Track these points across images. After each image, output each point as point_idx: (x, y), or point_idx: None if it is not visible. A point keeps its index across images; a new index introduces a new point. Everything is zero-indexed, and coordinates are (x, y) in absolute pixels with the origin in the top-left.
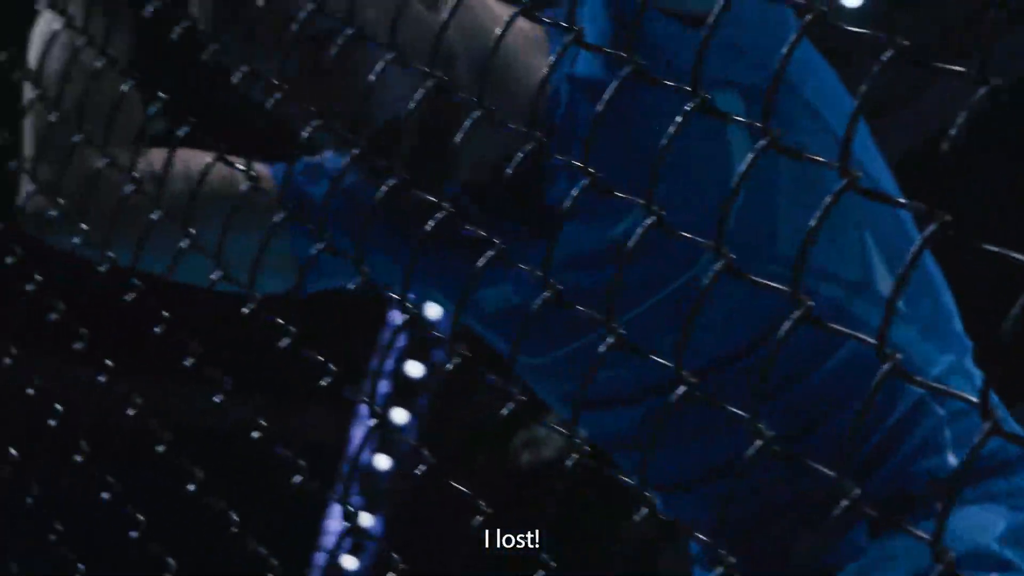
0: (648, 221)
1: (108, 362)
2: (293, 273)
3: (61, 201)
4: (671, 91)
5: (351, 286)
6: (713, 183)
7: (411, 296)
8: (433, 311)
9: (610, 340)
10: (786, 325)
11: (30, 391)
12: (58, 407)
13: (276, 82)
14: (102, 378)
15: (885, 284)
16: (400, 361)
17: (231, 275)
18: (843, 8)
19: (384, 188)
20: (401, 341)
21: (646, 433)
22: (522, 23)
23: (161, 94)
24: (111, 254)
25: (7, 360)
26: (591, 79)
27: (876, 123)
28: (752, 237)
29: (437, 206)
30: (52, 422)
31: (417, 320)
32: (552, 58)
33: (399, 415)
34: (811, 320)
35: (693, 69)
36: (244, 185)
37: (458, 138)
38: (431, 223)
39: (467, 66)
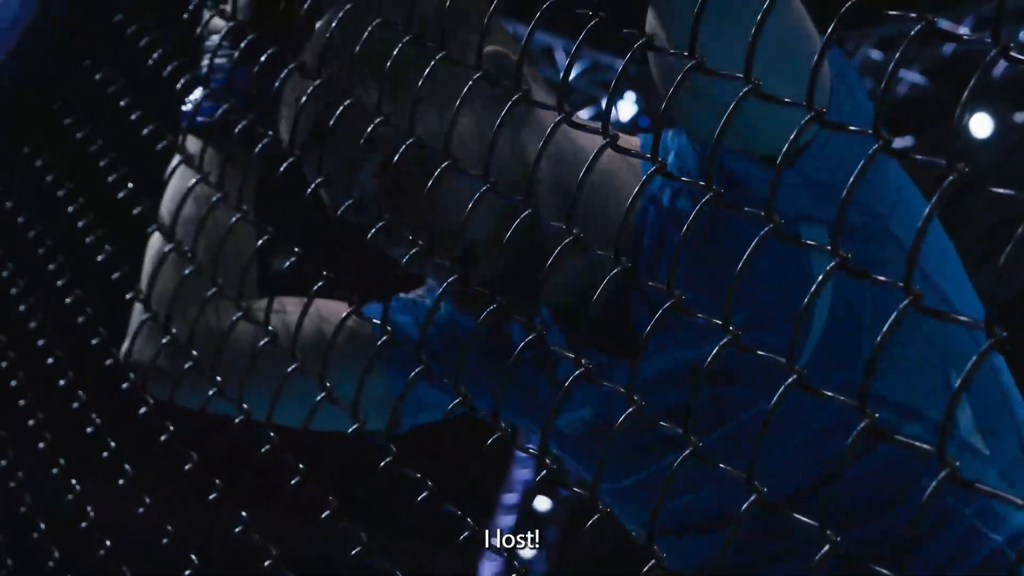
0: (723, 341)
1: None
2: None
3: (191, 356)
4: (753, 221)
5: (452, 413)
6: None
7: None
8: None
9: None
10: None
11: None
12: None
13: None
14: (238, 529)
15: (968, 425)
16: (526, 494)
17: (339, 403)
18: (972, 139)
19: (477, 316)
20: (526, 475)
21: (719, 562)
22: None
23: (291, 247)
24: (245, 406)
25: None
26: (677, 211)
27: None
28: (833, 368)
29: (526, 329)
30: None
31: (512, 442)
32: (637, 182)
33: (526, 550)
34: (885, 438)
35: (767, 201)
36: (349, 325)
37: (546, 263)
38: (519, 346)
39: (552, 189)
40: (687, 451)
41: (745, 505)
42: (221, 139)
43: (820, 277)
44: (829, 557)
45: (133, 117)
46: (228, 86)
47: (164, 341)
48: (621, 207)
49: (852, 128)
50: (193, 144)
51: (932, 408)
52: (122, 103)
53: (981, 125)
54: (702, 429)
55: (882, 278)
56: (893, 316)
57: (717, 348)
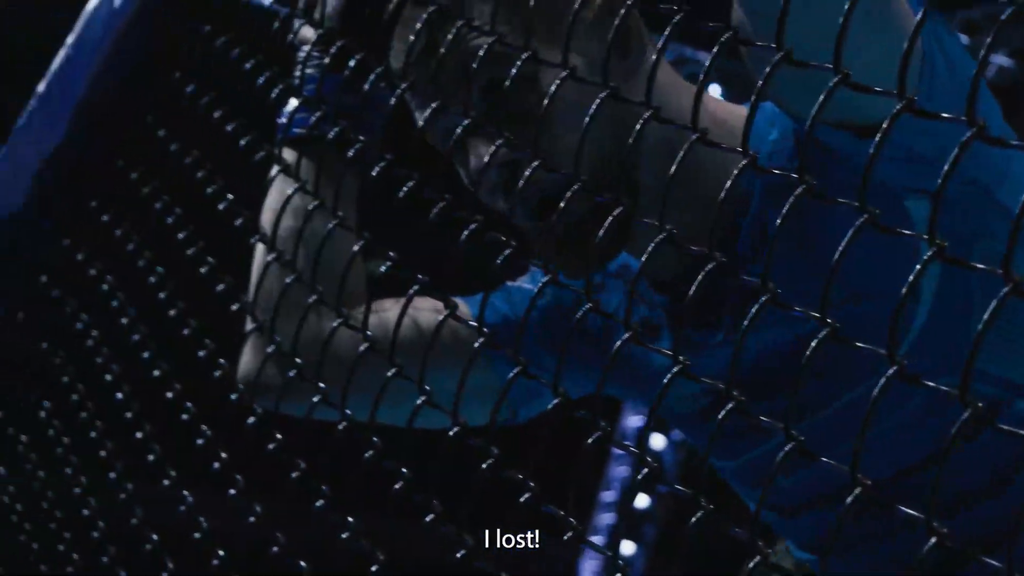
0: (822, 333)
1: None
2: (506, 404)
3: (295, 364)
4: (853, 197)
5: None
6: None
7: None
8: (657, 441)
9: (788, 446)
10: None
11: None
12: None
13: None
14: (345, 534)
15: None
16: (625, 492)
17: (437, 404)
18: None
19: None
20: (625, 472)
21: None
22: (717, 106)
23: (388, 252)
24: (348, 411)
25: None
26: (780, 182)
27: None
28: (942, 349)
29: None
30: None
31: (610, 439)
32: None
33: (626, 547)
34: (988, 423)
35: (863, 180)
36: (447, 325)
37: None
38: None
39: (654, 148)
40: (789, 446)
41: (849, 498)
42: (315, 149)
43: (919, 261)
44: (933, 548)
45: (229, 128)
46: (318, 96)
47: (268, 351)
48: (719, 174)
49: (945, 116)
50: (289, 155)
51: (1000, 366)
52: (216, 114)
53: None
54: (808, 409)
55: (980, 266)
56: (994, 304)
57: (814, 343)
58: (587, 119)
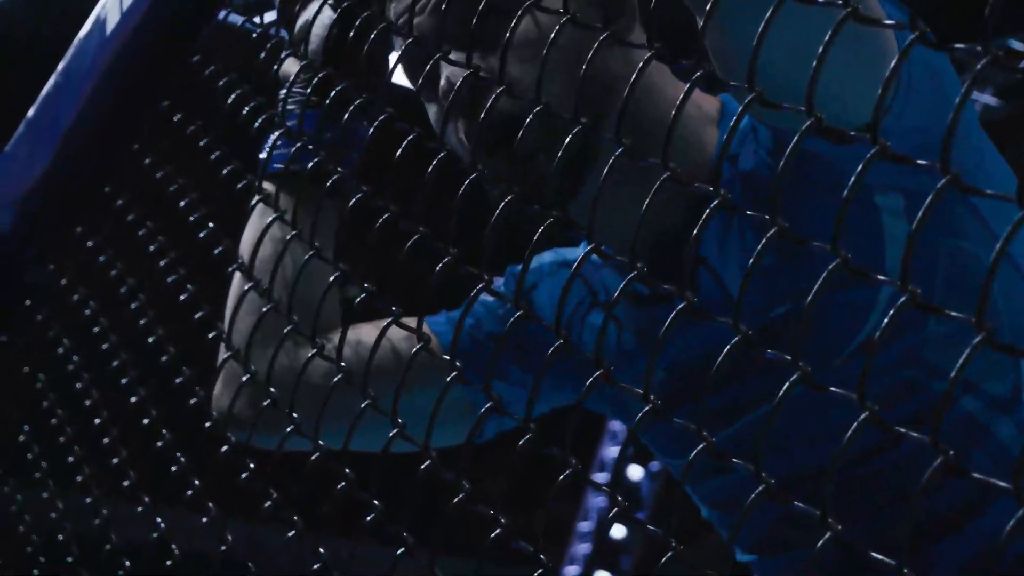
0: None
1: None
2: (473, 421)
3: (269, 397)
4: (828, 195)
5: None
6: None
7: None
8: (634, 471)
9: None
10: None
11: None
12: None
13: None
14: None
15: None
16: (602, 521)
17: (408, 436)
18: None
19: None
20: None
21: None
22: (699, 96)
23: (364, 283)
24: (321, 441)
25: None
26: (752, 172)
27: None
28: (900, 336)
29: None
30: None
31: (583, 478)
32: (720, 132)
33: None
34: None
35: (839, 173)
36: (412, 348)
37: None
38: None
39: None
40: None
41: (752, 496)
42: (293, 183)
43: (899, 247)
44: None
45: (213, 157)
46: (299, 131)
47: (243, 381)
48: (693, 154)
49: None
50: (270, 188)
51: (996, 385)
52: (201, 143)
53: None
54: (756, 403)
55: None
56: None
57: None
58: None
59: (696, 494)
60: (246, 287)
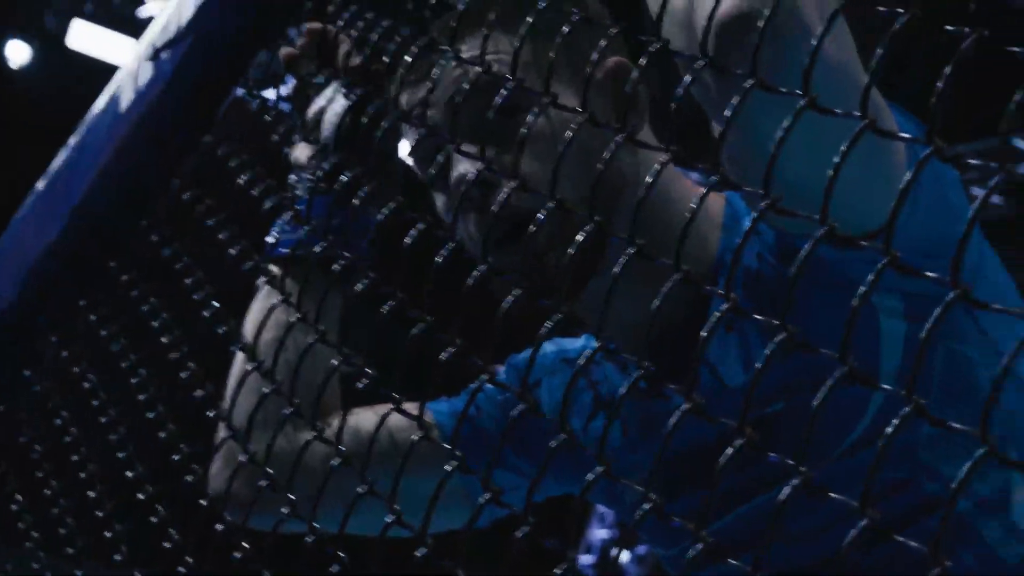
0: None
1: None
2: (469, 507)
3: (267, 478)
4: (827, 293)
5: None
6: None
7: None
8: (622, 556)
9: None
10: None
11: None
12: None
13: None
14: None
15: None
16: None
17: (406, 523)
18: None
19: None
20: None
21: None
22: (699, 191)
23: (367, 368)
24: (317, 525)
25: None
26: (755, 271)
27: None
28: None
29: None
30: None
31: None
32: (722, 237)
33: None
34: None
35: (840, 276)
36: (413, 435)
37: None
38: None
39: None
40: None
41: None
42: (299, 268)
43: (896, 348)
44: None
45: (221, 236)
46: (307, 217)
47: (240, 461)
48: (697, 254)
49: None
50: (276, 271)
51: (985, 487)
52: (209, 223)
53: None
54: (752, 494)
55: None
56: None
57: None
58: (567, 153)
59: None
60: (248, 368)
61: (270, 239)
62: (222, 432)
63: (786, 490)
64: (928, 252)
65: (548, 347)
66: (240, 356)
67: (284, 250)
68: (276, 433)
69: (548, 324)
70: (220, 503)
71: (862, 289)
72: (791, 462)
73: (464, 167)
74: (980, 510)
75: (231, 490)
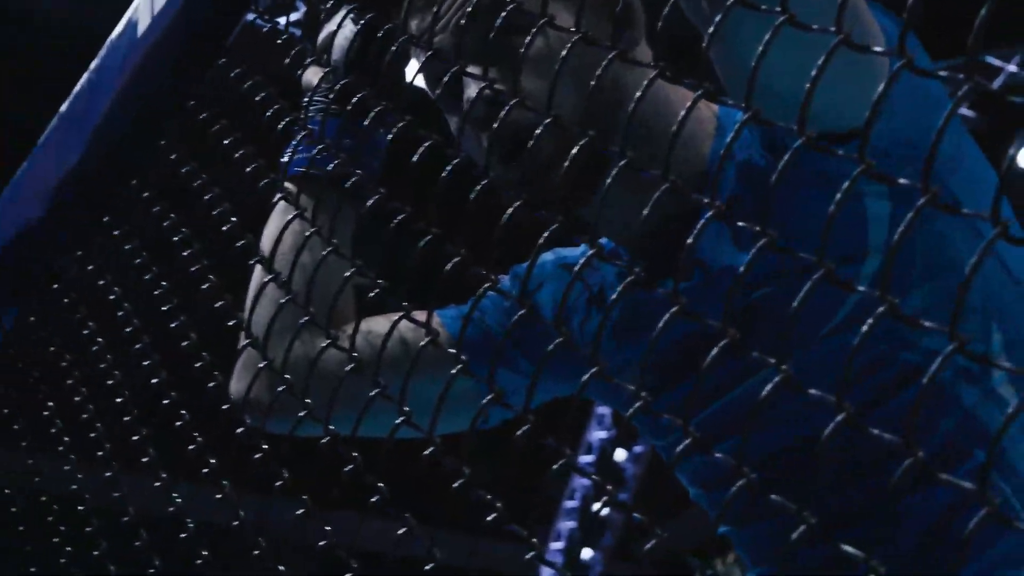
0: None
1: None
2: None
3: (284, 383)
4: (813, 183)
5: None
6: (847, 251)
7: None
8: (618, 454)
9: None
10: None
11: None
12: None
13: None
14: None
15: (1004, 384)
16: (586, 499)
17: (415, 423)
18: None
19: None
20: (587, 481)
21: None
22: (699, 107)
23: (378, 280)
24: (332, 427)
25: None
26: (746, 162)
27: None
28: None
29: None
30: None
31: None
32: (716, 141)
33: (585, 552)
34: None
35: (844, 192)
36: (421, 341)
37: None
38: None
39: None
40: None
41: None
42: (312, 186)
43: (882, 222)
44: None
45: (237, 156)
46: (319, 137)
47: (259, 368)
48: (692, 163)
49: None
50: (291, 188)
51: (929, 336)
52: (225, 142)
53: None
54: (734, 383)
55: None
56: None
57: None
58: (568, 73)
59: (681, 474)
60: (266, 279)
61: (284, 159)
62: (242, 341)
63: (767, 387)
64: (910, 141)
65: (548, 256)
66: (258, 269)
67: (298, 168)
68: (293, 340)
69: (546, 233)
70: (240, 408)
71: (849, 192)
72: (772, 360)
73: (473, 89)
74: (959, 377)
75: (250, 395)
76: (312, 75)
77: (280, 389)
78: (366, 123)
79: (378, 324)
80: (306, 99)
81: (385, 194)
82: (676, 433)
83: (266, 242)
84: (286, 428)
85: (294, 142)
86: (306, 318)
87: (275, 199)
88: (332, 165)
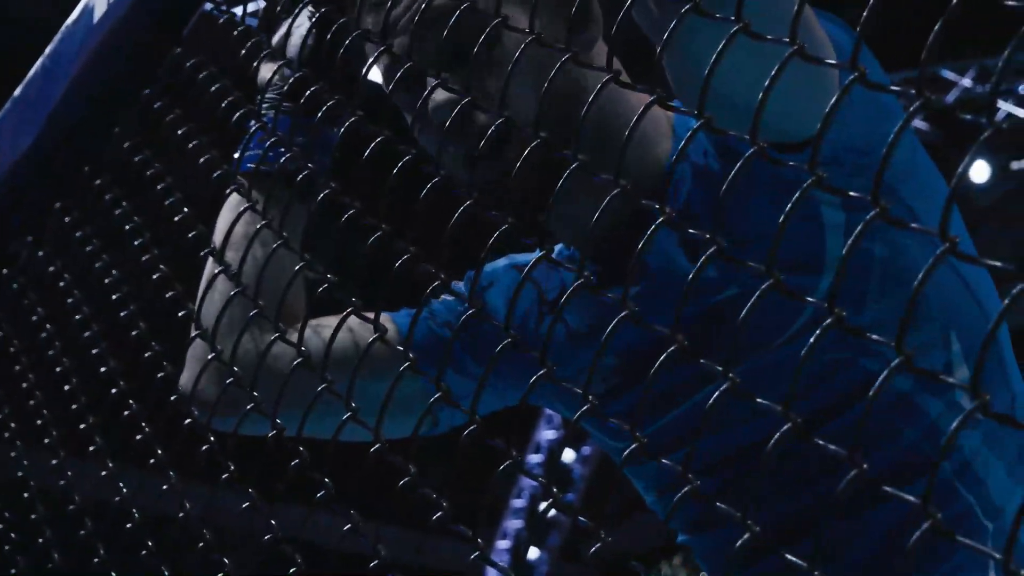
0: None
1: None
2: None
3: (232, 375)
4: (767, 197)
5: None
6: (805, 259)
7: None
8: (567, 455)
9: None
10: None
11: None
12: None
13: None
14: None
15: (964, 396)
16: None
17: (364, 423)
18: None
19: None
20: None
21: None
22: (656, 110)
23: (327, 275)
24: (279, 422)
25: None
26: (702, 166)
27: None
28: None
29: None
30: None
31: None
32: (672, 143)
33: (531, 552)
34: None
35: (796, 199)
36: (371, 338)
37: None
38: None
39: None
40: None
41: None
42: (263, 182)
43: (837, 232)
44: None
45: (191, 146)
46: (271, 133)
47: (207, 360)
48: (648, 165)
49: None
50: (243, 183)
51: (922, 360)
52: (180, 132)
53: (979, 171)
54: (685, 391)
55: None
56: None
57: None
58: (526, 76)
59: (638, 481)
60: (216, 271)
61: (236, 154)
62: (193, 332)
63: (714, 396)
64: (863, 150)
65: (501, 261)
66: (210, 261)
67: (250, 165)
68: (241, 334)
69: (496, 234)
70: (187, 401)
71: (801, 200)
72: (719, 368)
73: (439, 96)
74: (920, 388)
75: (197, 388)
76: (267, 71)
77: (228, 382)
78: (317, 119)
79: (330, 322)
80: (259, 95)
81: (336, 188)
82: (652, 426)
83: (217, 236)
84: (231, 426)
85: (246, 137)
86: (255, 311)
87: (227, 192)
88: (282, 161)
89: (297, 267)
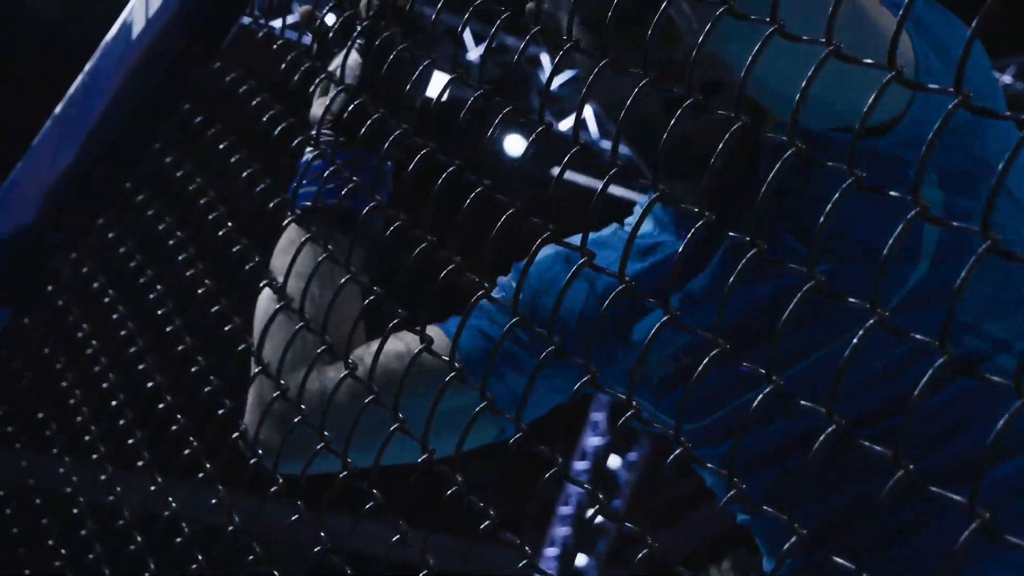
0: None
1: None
2: (493, 422)
3: (299, 414)
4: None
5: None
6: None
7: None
8: (612, 461)
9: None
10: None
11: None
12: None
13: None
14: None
15: None
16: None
17: (434, 446)
18: None
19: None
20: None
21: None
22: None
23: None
24: (350, 460)
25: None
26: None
27: None
28: (937, 303)
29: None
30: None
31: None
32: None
33: (579, 559)
34: (966, 373)
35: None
36: (435, 360)
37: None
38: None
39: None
40: (767, 388)
41: (821, 437)
42: (321, 219)
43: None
44: (901, 484)
45: (245, 175)
46: (327, 170)
47: (272, 408)
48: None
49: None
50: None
51: (993, 323)
52: (233, 159)
53: None
54: (786, 361)
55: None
56: (972, 261)
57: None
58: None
59: (708, 457)
60: (276, 308)
61: (291, 190)
62: (254, 369)
63: (860, 332)
64: (953, 128)
65: (547, 250)
66: (265, 298)
67: (306, 203)
68: (308, 372)
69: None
70: (252, 446)
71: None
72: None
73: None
74: (996, 349)
75: (260, 436)
76: (318, 108)
77: (295, 422)
78: (376, 155)
79: (392, 348)
80: (313, 131)
81: (405, 221)
82: (721, 411)
83: (276, 273)
84: (298, 468)
85: (301, 170)
86: (323, 347)
87: (284, 224)
88: (340, 198)
89: (365, 302)
